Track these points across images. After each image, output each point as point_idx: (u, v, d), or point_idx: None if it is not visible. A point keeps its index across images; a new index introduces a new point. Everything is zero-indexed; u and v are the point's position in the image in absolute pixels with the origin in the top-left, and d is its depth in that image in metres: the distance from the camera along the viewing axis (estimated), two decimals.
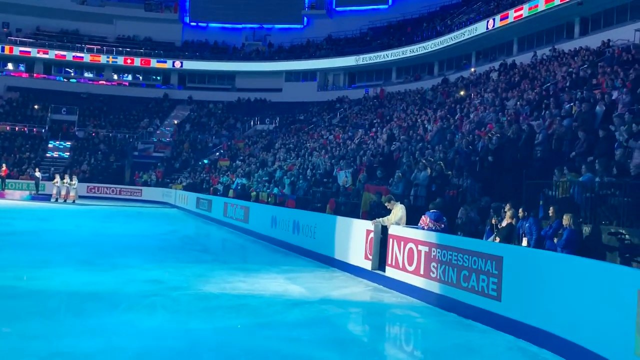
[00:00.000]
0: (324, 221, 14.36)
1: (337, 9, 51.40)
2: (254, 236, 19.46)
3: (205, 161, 40.70)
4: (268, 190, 22.58)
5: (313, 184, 19.93)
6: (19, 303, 8.51)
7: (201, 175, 35.82)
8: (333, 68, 47.39)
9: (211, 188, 29.78)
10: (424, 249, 10.05)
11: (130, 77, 52.86)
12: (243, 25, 52.91)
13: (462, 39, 36.44)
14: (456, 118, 21.58)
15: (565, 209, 9.69)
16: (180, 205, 33.00)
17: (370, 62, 44.37)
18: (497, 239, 10.11)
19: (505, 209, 10.46)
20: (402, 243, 10.70)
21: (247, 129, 46.42)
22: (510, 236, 9.99)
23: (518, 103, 19.37)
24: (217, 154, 41.83)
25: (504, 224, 10.25)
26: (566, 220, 9.23)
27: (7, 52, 49.17)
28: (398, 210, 11.68)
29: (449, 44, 37.65)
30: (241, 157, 36.59)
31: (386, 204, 12.06)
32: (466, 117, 21.09)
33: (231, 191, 26.58)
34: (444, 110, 24.90)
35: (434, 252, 9.75)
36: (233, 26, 53.01)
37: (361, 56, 44.87)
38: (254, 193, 23.29)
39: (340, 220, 13.57)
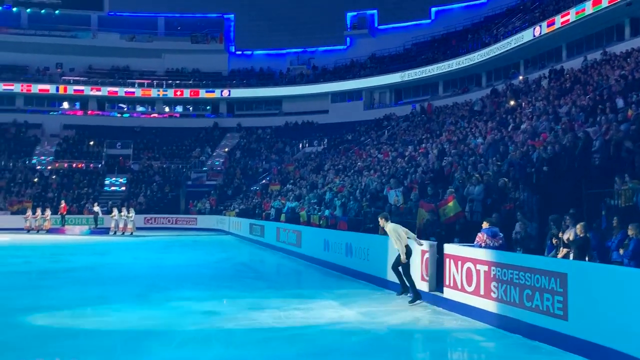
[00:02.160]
0: (377, 243, 14.10)
1: (380, 27, 51.36)
2: (307, 260, 19.32)
3: (257, 187, 40.96)
4: (319, 213, 22.44)
5: (364, 205, 19.70)
6: (77, 343, 8.54)
7: (253, 201, 36.02)
8: (378, 86, 47.23)
9: (263, 213, 29.86)
10: (482, 268, 9.68)
11: (180, 109, 53.93)
12: (287, 51, 53.40)
13: (509, 47, 35.79)
14: (508, 129, 21.06)
15: (630, 219, 9.21)
16: (234, 232, 33.19)
17: (416, 77, 44.03)
18: (562, 253, 9.67)
19: (567, 222, 10.01)
20: (460, 263, 10.35)
21: (296, 152, 46.59)
22: (585, 250, 9.48)
23: (572, 110, 18.76)
24: (268, 178, 42.06)
25: (569, 236, 9.78)
26: (631, 230, 8.76)
27: (61, 91, 50.86)
28: (391, 231, 11.38)
29: (496, 53, 37.03)
30: (291, 181, 36.66)
31: (380, 222, 11.74)
32: (518, 127, 20.56)
33: (283, 215, 26.57)
34: (494, 121, 24.37)
35: (493, 271, 9.38)
36: (277, 52, 53.57)
37: (406, 72, 44.60)
38: (303, 213, 23.18)
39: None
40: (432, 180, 17.91)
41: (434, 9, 49.41)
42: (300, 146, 47.09)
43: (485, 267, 9.59)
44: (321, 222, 21.29)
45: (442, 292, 10.95)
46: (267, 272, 18.65)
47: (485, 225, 11.07)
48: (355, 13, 51.77)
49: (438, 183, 17.19)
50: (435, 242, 11.69)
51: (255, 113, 52.84)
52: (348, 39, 52.38)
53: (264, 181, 41.58)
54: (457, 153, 19.96)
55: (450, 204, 13.64)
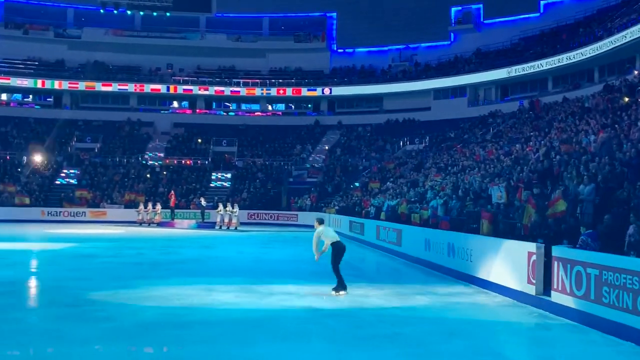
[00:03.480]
0: (480, 243, 13.76)
1: (485, 21, 50.01)
2: (407, 259, 19.15)
3: (357, 184, 41.05)
4: (420, 211, 22.16)
5: (467, 204, 19.26)
6: (186, 332, 8.90)
7: (353, 199, 36.13)
8: (483, 82, 46.01)
9: (363, 211, 29.87)
10: (593, 272, 9.23)
11: (283, 107, 54.96)
12: (389, 47, 53.10)
13: (624, 41, 33.80)
14: (623, 126, 19.91)
15: None
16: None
17: (523, 73, 42.53)
18: None
19: None
20: (569, 266, 9.91)
21: (397, 150, 46.27)
22: None
23: None
24: (368, 176, 42.05)
25: None
26: None
27: (172, 91, 53.15)
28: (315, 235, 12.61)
29: (609, 47, 35.11)
30: (391, 179, 36.45)
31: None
32: (634, 124, 19.39)
33: (383, 213, 26.46)
34: (607, 118, 23.12)
35: (605, 275, 8.92)
36: (379, 49, 53.39)
37: (513, 67, 43.18)
38: (404, 205, 22.92)
39: (499, 242, 12.91)
40: (539, 179, 17.25)
41: (542, 2, 47.49)
42: (401, 144, 46.72)
43: (596, 271, 9.14)
44: (422, 221, 21.02)
45: (549, 296, 10.54)
46: (368, 269, 18.65)
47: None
48: (459, 8, 50.66)
49: (546, 182, 16.54)
50: (543, 244, 11.27)
51: (356, 111, 52.95)
52: (452, 34, 51.38)
53: (363, 179, 41.61)
54: (567, 151, 19.10)
55: (558, 203, 13.10)
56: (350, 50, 54.76)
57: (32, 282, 13.23)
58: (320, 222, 12.91)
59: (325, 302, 11.53)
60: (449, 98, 48.00)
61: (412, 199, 24.36)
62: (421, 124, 48.21)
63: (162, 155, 49.41)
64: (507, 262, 12.20)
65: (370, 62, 53.68)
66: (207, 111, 54.10)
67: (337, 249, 12.48)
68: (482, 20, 50.21)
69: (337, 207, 36.43)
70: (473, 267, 13.82)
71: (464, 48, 49.44)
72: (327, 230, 12.81)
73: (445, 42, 51.43)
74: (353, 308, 10.99)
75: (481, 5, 50.03)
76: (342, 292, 12.29)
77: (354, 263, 19.59)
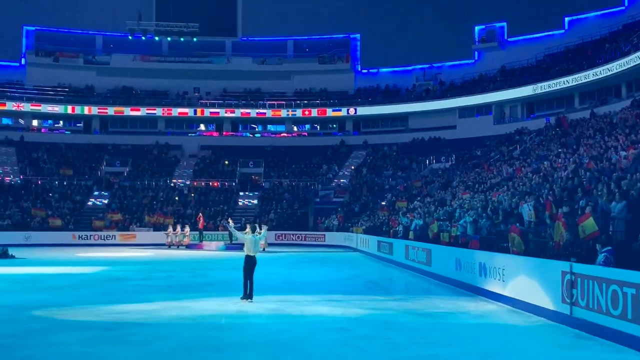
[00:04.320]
0: (512, 262, 13.66)
1: (509, 39, 49.96)
2: (437, 279, 19.04)
3: (383, 203, 40.98)
4: (449, 229, 22.06)
5: (496, 222, 19.13)
6: (219, 355, 8.97)
7: (380, 218, 36.07)
8: (509, 100, 45.85)
9: (391, 230, 29.80)
10: (630, 290, 9.12)
11: (308, 127, 55.29)
12: (413, 67, 53.30)
13: None
14: None
15: None
16: (362, 249, 33.38)
17: (550, 89, 42.29)
18: None
19: None
20: (604, 285, 9.80)
21: (423, 169, 46.17)
22: None
23: None
24: (394, 195, 41.96)
25: None
26: None
27: (199, 114, 53.86)
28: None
29: (637, 62, 34.78)
30: (418, 198, 36.35)
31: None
32: None
33: (411, 233, 26.38)
34: (637, 134, 22.87)
35: None
36: (403, 69, 53.60)
37: (539, 85, 42.98)
38: (434, 225, 22.83)
39: (531, 261, 12.81)
40: (569, 196, 17.10)
41: (567, 19, 47.34)
42: (427, 162, 46.62)
43: (633, 290, 9.03)
44: (451, 240, 20.90)
45: (584, 315, 10.41)
46: (398, 290, 18.57)
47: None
48: (483, 26, 50.74)
49: (575, 199, 16.39)
50: (577, 263, 11.15)
51: (381, 130, 53.08)
52: (476, 52, 51.40)
53: (390, 198, 41.53)
54: (597, 168, 18.92)
55: (588, 221, 12.95)
56: (375, 70, 55.05)
57: (67, 306, 13.43)
58: (253, 230, 14.91)
59: (357, 323, 11.52)
60: (475, 116, 47.90)
61: (441, 218, 24.26)
62: (447, 142, 48.12)
63: (190, 177, 49.93)
64: (540, 281, 12.09)
65: (395, 81, 53.89)
66: (234, 133, 54.67)
67: (249, 262, 14.33)
68: (506, 38, 50.20)
69: (364, 227, 36.39)
70: (505, 286, 13.71)
71: (489, 66, 49.39)
72: (251, 238, 14.63)
73: (470, 61, 51.46)
74: (385, 329, 10.96)
75: (505, 24, 50.05)
76: (247, 300, 14.06)
77: (382, 283, 19.57)
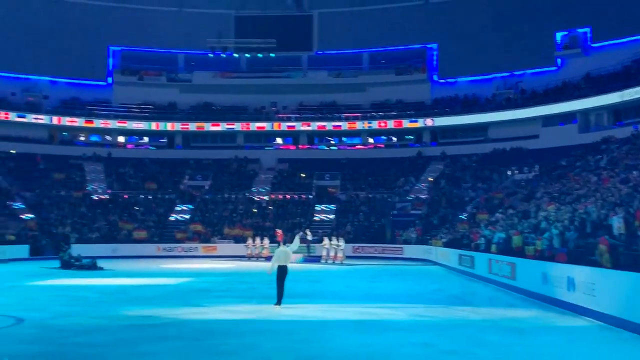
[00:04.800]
0: (604, 276, 13.08)
1: (594, 45, 48.17)
2: (522, 294, 18.44)
3: (463, 216, 40.22)
4: (535, 242, 21.37)
5: (585, 235, 18.40)
6: None
7: (460, 231, 35.38)
8: (594, 107, 44.14)
9: (472, 243, 29.17)
10: None
11: (384, 139, 55.07)
12: (492, 76, 52.22)
13: None
14: None
15: None
16: (442, 262, 32.82)
17: (638, 96, 40.45)
18: None
19: None
20: None
21: (505, 180, 44.98)
22: None
23: None
24: (475, 208, 41.10)
25: None
26: None
27: (275, 128, 54.72)
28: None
29: None
30: (500, 210, 35.44)
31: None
32: None
33: (493, 246, 25.73)
34: None
35: None
36: (482, 77, 52.61)
37: (626, 91, 41.16)
38: (517, 237, 22.19)
39: (625, 275, 12.21)
40: None
41: None
42: (509, 173, 45.38)
43: None
44: (536, 254, 20.25)
45: None
46: (481, 304, 18.11)
47: None
48: (565, 32, 49.18)
49: None
50: None
51: (460, 141, 52.20)
52: (558, 59, 49.83)
53: (471, 210, 40.71)
54: None
55: None
56: (452, 80, 54.31)
57: (155, 317, 13.83)
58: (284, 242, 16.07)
59: (441, 338, 11.30)
60: (558, 125, 46.34)
61: (525, 231, 23.57)
62: (529, 152, 46.73)
63: (267, 190, 50.66)
64: (634, 296, 11.50)
65: (473, 91, 52.95)
66: (310, 146, 55.15)
67: (281, 271, 15.31)
68: (590, 43, 48.44)
69: (444, 240, 35.80)
70: (596, 301, 13.12)
71: (572, 73, 47.76)
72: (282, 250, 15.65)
73: (552, 68, 49.93)
74: (470, 345, 10.70)
75: (588, 29, 48.32)
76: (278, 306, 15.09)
77: (465, 297, 19.14)
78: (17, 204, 44.62)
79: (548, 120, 46.97)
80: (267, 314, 14.25)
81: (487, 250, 25.80)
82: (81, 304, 16.21)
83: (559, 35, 49.49)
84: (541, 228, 22.47)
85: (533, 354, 10.01)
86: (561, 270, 15.52)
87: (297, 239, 16.78)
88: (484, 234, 27.94)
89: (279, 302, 15.17)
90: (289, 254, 15.77)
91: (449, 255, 30.96)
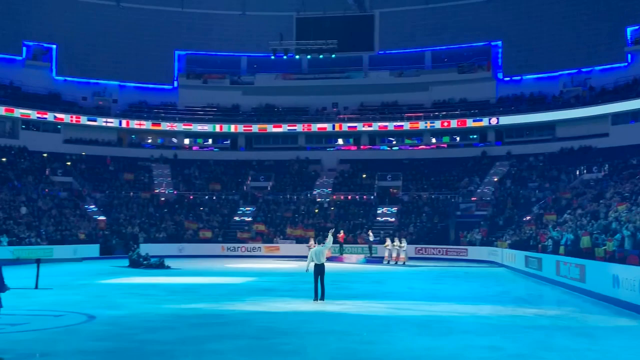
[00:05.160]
0: None
1: None
2: (592, 297, 17.86)
3: (529, 217, 39.24)
4: (604, 246, 20.68)
5: None
6: None
7: (527, 232, 34.56)
8: None
9: (539, 245, 28.45)
10: None
11: (447, 139, 54.34)
12: (559, 73, 50.73)
13: None
14: None
15: None
16: (508, 264, 32.13)
17: None
18: None
19: None
20: None
21: (573, 180, 43.66)
22: None
23: None
24: (542, 208, 40.05)
25: None
26: None
27: (337, 128, 54.77)
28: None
29: None
30: (568, 211, 34.43)
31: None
32: None
33: (561, 247, 25.03)
34: None
35: None
36: (549, 75, 51.17)
37: None
38: (586, 238, 21.50)
39: None
40: None
41: None
42: (577, 173, 44.02)
43: None
44: (607, 256, 19.60)
45: None
46: (549, 307, 17.63)
47: None
48: (636, 27, 47.28)
49: None
50: None
51: (526, 140, 50.97)
52: (629, 55, 47.91)
53: (537, 211, 39.69)
54: None
55: None
56: (518, 77, 53.08)
57: (221, 315, 14.08)
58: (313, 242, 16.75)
59: (508, 342, 11.06)
60: (629, 123, 44.65)
61: (595, 232, 22.84)
62: (599, 151, 45.21)
63: (329, 191, 50.78)
64: None
65: (540, 88, 51.60)
66: (371, 147, 54.94)
67: (317, 269, 16.40)
68: None
69: (509, 241, 35.05)
70: None
71: None
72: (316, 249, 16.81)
73: (622, 64, 48.08)
74: (538, 349, 10.43)
75: None
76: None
77: (533, 300, 18.69)
78: (88, 205, 46.29)
79: (618, 117, 45.32)
80: (331, 315, 14.28)
81: (554, 251, 25.14)
82: (150, 301, 16.65)
83: (629, 31, 47.61)
84: (612, 229, 21.73)
85: None
86: (633, 273, 14.96)
87: (330, 237, 17.38)
88: (551, 235, 27.23)
89: (318, 298, 16.38)
90: (323, 252, 16.69)
91: (515, 257, 30.29)
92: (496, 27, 52.60)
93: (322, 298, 16.35)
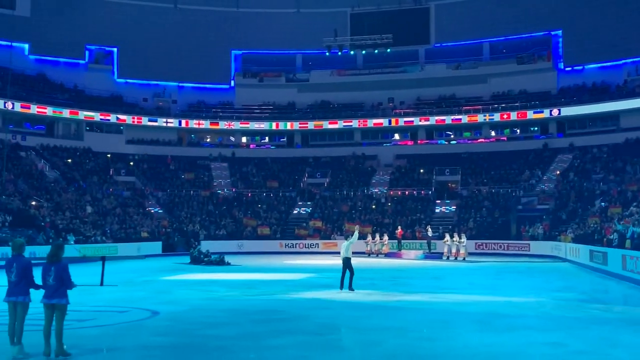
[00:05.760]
0: None
1: None
2: None
3: (594, 210, 38.07)
4: None
5: None
6: None
7: (591, 226, 33.54)
8: None
9: (604, 239, 27.58)
10: None
11: (507, 132, 53.24)
12: (623, 61, 48.95)
13: None
14: None
15: None
16: (571, 259, 31.28)
17: None
18: None
19: None
20: None
21: (639, 171, 42.08)
22: None
23: None
24: (606, 201, 38.78)
25: None
26: None
27: (393, 123, 54.39)
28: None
29: None
30: (634, 203, 33.23)
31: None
32: None
33: (627, 241, 24.20)
34: None
35: None
36: (612, 64, 49.46)
37: None
38: None
39: None
40: None
41: None
42: None
43: None
44: None
45: None
46: (616, 303, 17.10)
47: None
48: None
49: None
50: None
51: (588, 131, 49.42)
52: None
53: (602, 204, 38.47)
54: None
55: None
56: (579, 67, 51.52)
57: (280, 311, 14.22)
58: (346, 237, 17.16)
59: (572, 338, 10.78)
60: None
61: None
62: None
63: (386, 187, 50.50)
64: None
65: (603, 78, 49.95)
66: (428, 141, 54.36)
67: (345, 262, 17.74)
68: None
69: (573, 235, 34.11)
70: None
71: None
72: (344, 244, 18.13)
73: None
74: (604, 346, 10.13)
75: None
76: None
77: (598, 296, 18.17)
78: (150, 203, 47.49)
79: None
80: (390, 311, 14.23)
81: (620, 245, 24.34)
82: (211, 297, 16.96)
83: None
84: None
85: None
86: None
87: (356, 232, 18.88)
88: (617, 229, 26.38)
89: (349, 288, 17.70)
90: (348, 247, 17.83)
91: (579, 252, 29.46)
92: (555, 15, 51.18)
93: (350, 288, 17.70)
